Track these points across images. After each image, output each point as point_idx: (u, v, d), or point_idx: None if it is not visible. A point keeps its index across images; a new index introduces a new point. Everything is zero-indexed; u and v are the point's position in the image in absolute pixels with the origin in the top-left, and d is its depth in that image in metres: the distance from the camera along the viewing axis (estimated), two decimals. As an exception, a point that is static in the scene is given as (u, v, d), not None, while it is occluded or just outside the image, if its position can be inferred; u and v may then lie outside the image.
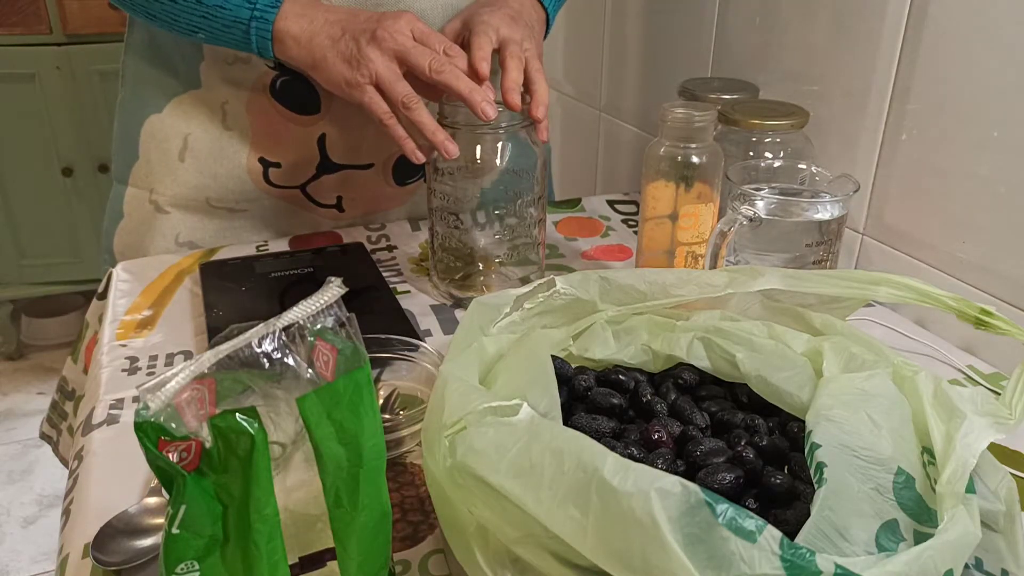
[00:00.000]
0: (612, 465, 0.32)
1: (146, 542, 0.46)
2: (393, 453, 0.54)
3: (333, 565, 0.38)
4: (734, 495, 0.40)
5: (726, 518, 0.31)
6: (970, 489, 0.36)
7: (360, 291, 0.74)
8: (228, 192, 0.85)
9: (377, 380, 0.60)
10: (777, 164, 0.70)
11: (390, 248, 0.86)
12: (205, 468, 0.34)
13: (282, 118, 0.81)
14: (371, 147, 0.85)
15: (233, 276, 0.75)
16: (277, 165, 0.84)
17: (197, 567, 0.34)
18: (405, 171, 0.89)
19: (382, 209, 0.92)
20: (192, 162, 0.84)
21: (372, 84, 0.67)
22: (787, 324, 0.50)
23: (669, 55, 1.08)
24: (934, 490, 0.36)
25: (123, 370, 0.64)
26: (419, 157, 0.68)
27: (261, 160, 0.84)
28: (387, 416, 0.57)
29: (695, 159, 0.66)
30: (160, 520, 0.47)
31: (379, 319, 0.68)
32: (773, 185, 0.68)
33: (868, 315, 0.73)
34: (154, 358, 0.65)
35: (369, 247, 0.85)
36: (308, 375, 0.36)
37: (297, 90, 0.79)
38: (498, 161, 0.69)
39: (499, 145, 0.68)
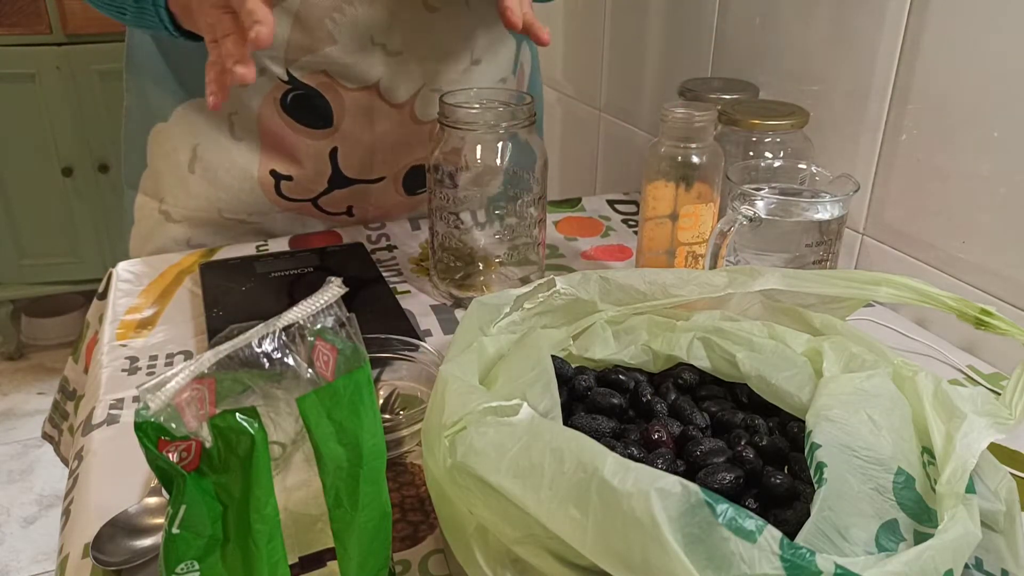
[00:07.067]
0: (612, 465, 0.32)
1: (146, 542, 0.46)
2: (393, 453, 0.54)
3: (333, 565, 0.38)
4: (734, 495, 0.40)
5: (726, 518, 0.31)
6: (970, 489, 0.36)
7: (360, 291, 0.74)
8: (240, 204, 0.85)
9: (377, 380, 0.60)
10: (777, 164, 0.70)
11: (390, 248, 0.86)
12: (205, 468, 0.34)
13: (293, 132, 0.81)
14: (383, 161, 0.85)
15: (233, 276, 0.75)
16: (289, 178, 0.84)
17: (197, 567, 0.34)
18: (416, 181, 0.89)
19: (392, 217, 0.92)
20: (202, 173, 0.83)
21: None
22: (787, 324, 0.50)
23: (669, 55, 1.08)
24: (934, 490, 0.36)
25: (123, 370, 0.64)
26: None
27: (273, 173, 0.83)
28: (387, 416, 0.57)
29: (695, 159, 0.66)
30: (160, 520, 0.47)
31: (379, 319, 0.68)
32: (773, 185, 0.68)
33: (868, 315, 0.73)
34: (154, 358, 0.65)
35: (369, 247, 0.85)
36: (308, 375, 0.36)
37: (308, 104, 0.79)
38: (498, 161, 0.69)
39: (499, 145, 0.68)
